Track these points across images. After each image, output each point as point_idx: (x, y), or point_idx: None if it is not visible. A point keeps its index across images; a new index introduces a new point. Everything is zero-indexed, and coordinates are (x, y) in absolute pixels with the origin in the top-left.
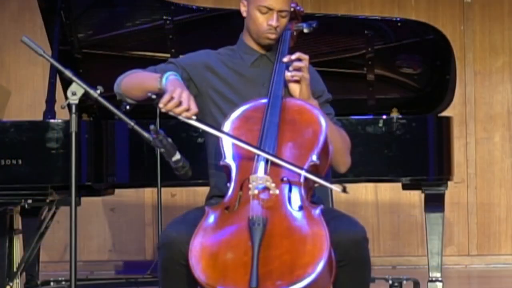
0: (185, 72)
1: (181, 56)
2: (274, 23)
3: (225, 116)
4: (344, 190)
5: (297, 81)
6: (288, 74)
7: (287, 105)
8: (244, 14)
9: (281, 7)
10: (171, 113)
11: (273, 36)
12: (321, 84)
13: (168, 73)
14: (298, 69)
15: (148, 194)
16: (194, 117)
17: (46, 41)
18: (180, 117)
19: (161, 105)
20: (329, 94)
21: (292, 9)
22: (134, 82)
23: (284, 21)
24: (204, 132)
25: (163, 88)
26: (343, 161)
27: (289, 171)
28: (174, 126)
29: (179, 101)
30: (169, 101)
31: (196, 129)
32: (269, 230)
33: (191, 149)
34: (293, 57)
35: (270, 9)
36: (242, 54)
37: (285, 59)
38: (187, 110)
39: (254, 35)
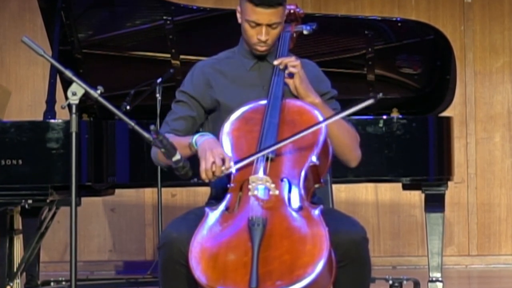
0: (195, 102)
1: (183, 83)
2: (262, 37)
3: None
4: (375, 97)
5: (291, 76)
6: (286, 71)
7: (286, 106)
8: (239, 21)
9: (269, 20)
10: (215, 179)
11: (262, 49)
12: (325, 83)
13: (195, 137)
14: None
15: (148, 194)
16: (232, 164)
17: (46, 41)
18: (222, 175)
19: (206, 180)
20: (334, 90)
21: (292, 11)
22: None
23: (275, 32)
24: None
25: (197, 153)
26: (353, 156)
27: (288, 171)
28: None
29: (212, 164)
30: (205, 171)
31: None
32: (268, 231)
33: None
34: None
35: (258, 24)
36: (242, 58)
37: (276, 62)
38: (223, 164)
39: (247, 45)
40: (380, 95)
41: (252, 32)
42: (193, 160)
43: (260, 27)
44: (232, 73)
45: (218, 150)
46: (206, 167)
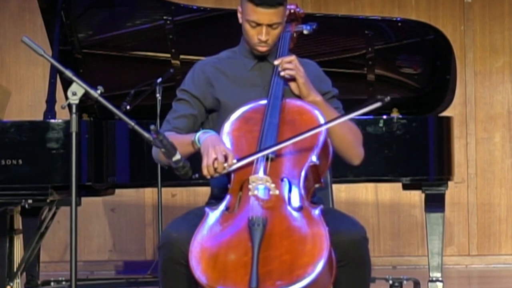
0: (197, 100)
1: (184, 82)
2: (263, 37)
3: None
4: (383, 100)
5: (293, 79)
6: (282, 73)
7: (286, 106)
8: (240, 21)
9: (270, 20)
10: (216, 175)
11: (263, 49)
12: (326, 83)
13: (198, 134)
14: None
15: (148, 194)
16: (234, 161)
17: (47, 41)
18: (224, 172)
19: (207, 176)
20: (335, 89)
21: (292, 11)
22: None
23: (275, 32)
24: None
25: (199, 150)
26: (355, 153)
27: (289, 171)
28: None
29: (214, 160)
30: (207, 167)
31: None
32: (269, 231)
33: None
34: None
35: (258, 24)
36: (243, 58)
37: (276, 62)
38: (225, 161)
39: (248, 45)
40: (388, 98)
41: (252, 32)
42: (193, 158)
43: (261, 27)
44: (233, 73)
45: (221, 146)
46: (208, 163)
